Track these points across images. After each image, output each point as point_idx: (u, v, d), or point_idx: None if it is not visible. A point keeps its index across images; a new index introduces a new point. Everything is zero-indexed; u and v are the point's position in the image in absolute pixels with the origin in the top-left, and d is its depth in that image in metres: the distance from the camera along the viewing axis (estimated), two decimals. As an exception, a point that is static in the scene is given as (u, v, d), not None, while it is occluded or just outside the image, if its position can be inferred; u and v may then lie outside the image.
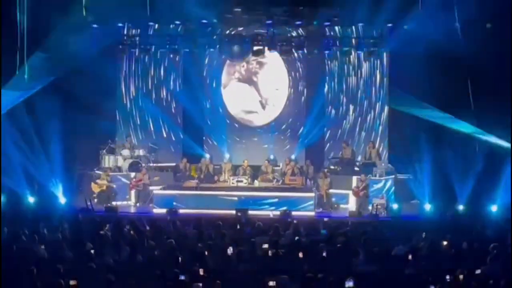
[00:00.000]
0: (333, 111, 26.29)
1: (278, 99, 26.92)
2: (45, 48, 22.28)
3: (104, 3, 21.77)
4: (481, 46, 20.68)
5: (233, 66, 26.92)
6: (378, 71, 25.79)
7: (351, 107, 26.14)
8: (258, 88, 26.98)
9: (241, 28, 24.87)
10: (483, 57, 20.81)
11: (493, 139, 22.19)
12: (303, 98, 26.82)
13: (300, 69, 26.79)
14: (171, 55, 25.95)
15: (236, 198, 22.09)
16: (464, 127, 22.80)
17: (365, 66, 25.88)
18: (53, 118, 23.04)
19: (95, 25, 22.91)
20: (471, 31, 20.74)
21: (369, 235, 16.95)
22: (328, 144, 26.32)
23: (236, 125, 27.02)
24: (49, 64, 22.62)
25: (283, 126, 26.85)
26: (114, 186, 23.18)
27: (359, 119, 26.05)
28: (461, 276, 12.84)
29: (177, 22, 24.10)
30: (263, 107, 26.98)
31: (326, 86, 26.30)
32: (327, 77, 26.31)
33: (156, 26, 24.54)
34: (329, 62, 26.19)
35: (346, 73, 26.12)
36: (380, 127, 25.76)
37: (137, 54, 25.65)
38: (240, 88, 27.07)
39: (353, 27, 24.09)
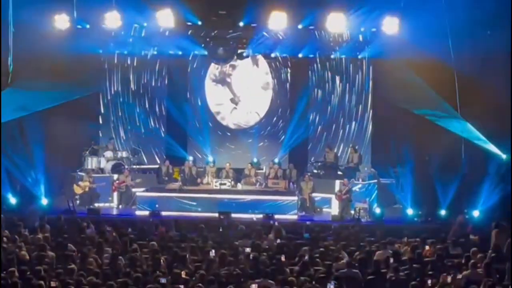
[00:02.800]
0: (317, 116, 26.34)
1: (261, 103, 26.91)
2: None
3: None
4: (469, 51, 20.72)
5: (217, 69, 26.90)
6: (361, 75, 25.87)
7: (335, 110, 26.19)
8: (240, 90, 26.97)
9: (225, 31, 24.84)
10: (471, 61, 20.85)
11: (477, 144, 22.21)
12: (286, 101, 26.82)
13: (284, 72, 26.77)
14: (156, 61, 26.05)
15: (220, 200, 22.13)
16: (450, 131, 22.78)
17: (349, 70, 25.95)
18: (37, 119, 22.98)
19: (79, 26, 22.74)
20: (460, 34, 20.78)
21: (351, 239, 17.02)
22: (310, 147, 26.35)
23: (220, 128, 26.97)
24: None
25: (267, 130, 26.83)
26: (95, 186, 23.06)
27: (342, 123, 26.11)
28: (442, 281, 12.90)
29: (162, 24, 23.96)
30: (248, 112, 26.98)
31: (310, 90, 26.35)
32: (310, 81, 26.36)
33: (139, 28, 24.40)
34: (313, 65, 26.25)
35: (330, 77, 26.17)
36: (363, 131, 25.83)
37: (120, 60, 25.83)
38: (222, 90, 27.04)
39: (337, 31, 24.02)
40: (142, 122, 26.50)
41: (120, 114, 26.43)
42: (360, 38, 24.13)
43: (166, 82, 26.69)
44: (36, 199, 22.14)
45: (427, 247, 15.86)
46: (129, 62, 26.27)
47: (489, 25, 20.42)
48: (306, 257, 14.58)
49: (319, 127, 26.32)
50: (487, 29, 20.44)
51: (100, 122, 26.32)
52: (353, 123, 26.06)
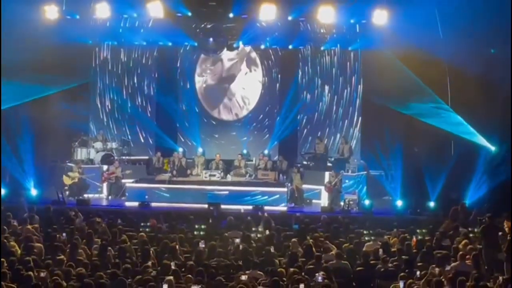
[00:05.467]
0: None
1: (251, 94, 26.87)
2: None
3: None
4: (460, 44, 20.71)
5: (206, 60, 26.84)
6: (351, 66, 25.85)
7: (325, 102, 26.16)
8: (230, 82, 26.92)
9: (215, 22, 24.79)
10: (463, 56, 20.85)
11: (467, 136, 22.26)
12: (276, 93, 26.80)
13: (274, 64, 26.71)
14: (146, 52, 26.00)
15: (210, 192, 22.13)
16: (439, 123, 22.83)
17: (339, 62, 25.90)
18: (26, 110, 22.92)
19: (68, 16, 22.64)
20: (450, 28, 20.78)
21: (340, 231, 17.06)
22: (301, 139, 26.34)
23: (210, 119, 26.93)
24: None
25: (257, 121, 26.79)
26: (86, 178, 23.03)
27: (332, 114, 26.08)
28: (431, 272, 12.94)
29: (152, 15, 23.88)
30: (238, 103, 26.94)
31: (300, 81, 26.32)
32: (301, 72, 26.31)
33: (129, 19, 24.27)
34: (303, 57, 26.22)
35: (320, 68, 26.14)
36: (354, 123, 25.83)
37: (110, 51, 25.79)
38: (212, 82, 26.99)
39: (327, 22, 23.98)
40: (132, 112, 26.41)
41: (110, 104, 26.32)
42: (350, 30, 24.11)
43: (156, 73, 26.59)
44: (25, 190, 22.11)
45: (415, 239, 15.94)
46: (118, 52, 26.17)
47: (480, 17, 20.41)
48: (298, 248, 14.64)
49: (309, 118, 26.28)
50: (478, 21, 20.42)
51: (90, 112, 26.23)
52: (343, 114, 26.00)
